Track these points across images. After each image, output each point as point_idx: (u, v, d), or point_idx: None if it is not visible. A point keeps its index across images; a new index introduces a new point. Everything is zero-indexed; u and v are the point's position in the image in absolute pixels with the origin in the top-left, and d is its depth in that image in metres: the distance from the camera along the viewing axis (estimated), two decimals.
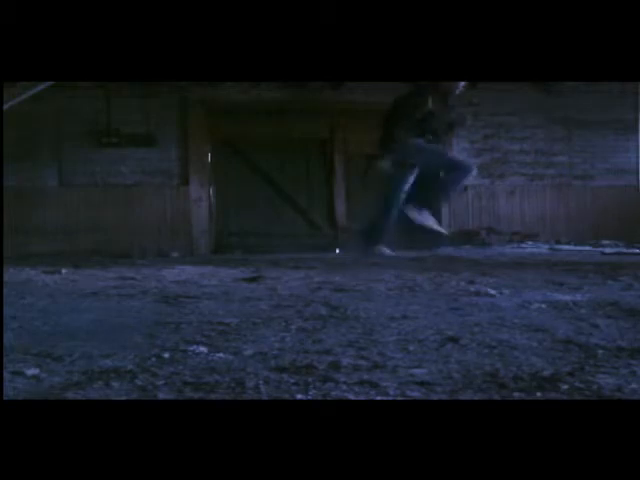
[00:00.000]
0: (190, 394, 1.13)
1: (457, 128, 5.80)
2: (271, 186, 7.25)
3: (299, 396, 1.11)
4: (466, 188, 7.14)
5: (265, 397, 1.10)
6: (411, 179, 5.40)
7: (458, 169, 5.50)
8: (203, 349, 1.49)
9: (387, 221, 5.40)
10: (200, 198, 6.87)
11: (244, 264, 4.46)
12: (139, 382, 1.21)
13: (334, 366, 1.31)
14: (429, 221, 5.32)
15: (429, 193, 5.45)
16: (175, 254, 6.31)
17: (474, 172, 5.71)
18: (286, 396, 1.11)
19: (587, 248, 6.14)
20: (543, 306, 2.10)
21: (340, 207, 7.31)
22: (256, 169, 7.23)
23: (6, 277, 3.40)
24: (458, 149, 7.15)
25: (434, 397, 1.10)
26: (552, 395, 1.09)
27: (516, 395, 1.09)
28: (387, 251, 5.37)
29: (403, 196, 5.38)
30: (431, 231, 5.27)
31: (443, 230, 5.46)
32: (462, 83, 5.52)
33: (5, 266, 4.05)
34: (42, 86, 4.70)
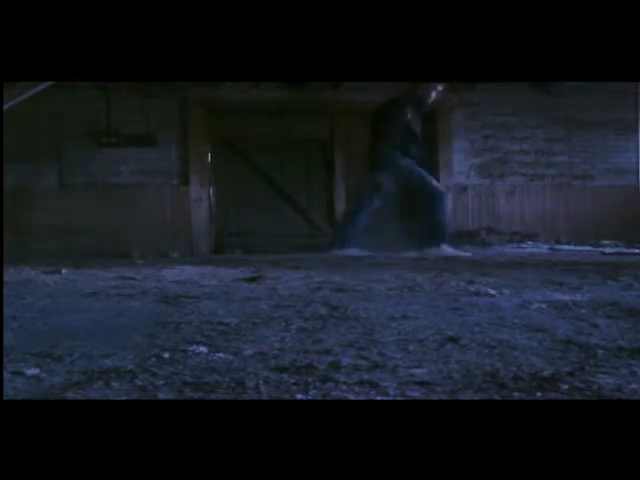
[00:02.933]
0: (190, 394, 1.13)
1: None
2: (271, 186, 7.25)
3: (299, 396, 1.11)
4: (466, 188, 7.14)
5: (265, 397, 1.10)
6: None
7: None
8: (203, 349, 1.49)
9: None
10: (200, 198, 6.87)
11: (244, 264, 4.46)
12: (139, 382, 1.21)
13: (334, 366, 1.31)
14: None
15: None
16: (175, 254, 6.31)
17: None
18: (286, 396, 1.11)
19: (587, 248, 6.13)
20: (543, 306, 2.10)
21: (340, 207, 7.30)
22: (256, 169, 7.22)
23: (6, 277, 3.40)
24: (458, 149, 7.15)
25: (434, 397, 1.10)
26: (552, 395, 1.09)
27: (516, 395, 1.09)
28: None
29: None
30: None
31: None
32: (437, 89, 5.67)
33: (5, 266, 4.04)
34: (42, 86, 4.69)
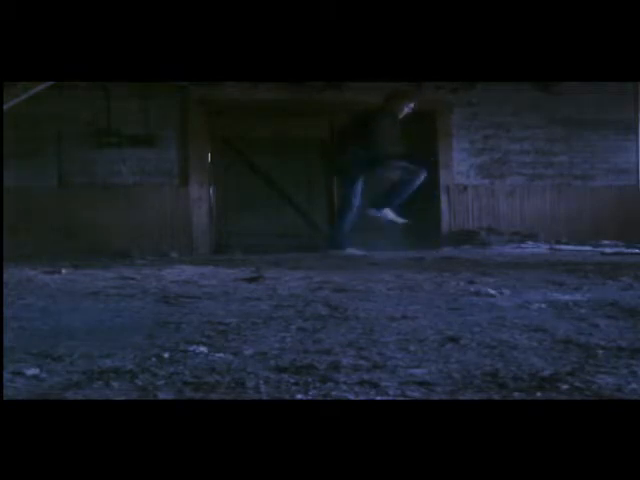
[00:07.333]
0: (190, 394, 1.13)
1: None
2: (271, 186, 7.25)
3: (299, 396, 1.11)
4: (466, 188, 7.14)
5: (265, 397, 1.10)
6: (359, 187, 6.00)
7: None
8: (203, 349, 1.49)
9: (345, 224, 5.99)
10: (200, 198, 6.86)
11: (244, 264, 4.46)
12: (139, 382, 1.21)
13: (334, 366, 1.31)
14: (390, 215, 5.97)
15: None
16: (175, 254, 6.30)
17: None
18: (286, 396, 1.11)
19: (587, 248, 6.13)
20: (543, 306, 2.10)
21: None
22: (256, 169, 7.22)
23: (6, 277, 3.40)
24: (458, 149, 7.15)
25: (434, 397, 1.10)
26: (552, 395, 1.09)
27: (516, 395, 1.09)
28: (356, 252, 5.76)
29: (356, 201, 5.97)
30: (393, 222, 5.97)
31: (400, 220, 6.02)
32: (411, 105, 6.00)
33: (5, 266, 4.04)
34: (42, 86, 4.69)
